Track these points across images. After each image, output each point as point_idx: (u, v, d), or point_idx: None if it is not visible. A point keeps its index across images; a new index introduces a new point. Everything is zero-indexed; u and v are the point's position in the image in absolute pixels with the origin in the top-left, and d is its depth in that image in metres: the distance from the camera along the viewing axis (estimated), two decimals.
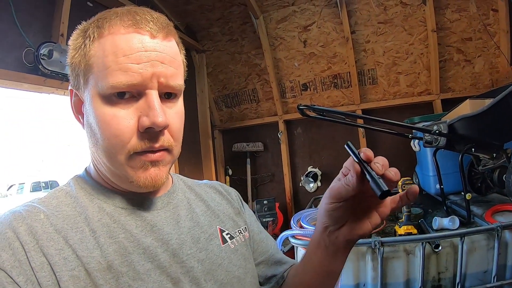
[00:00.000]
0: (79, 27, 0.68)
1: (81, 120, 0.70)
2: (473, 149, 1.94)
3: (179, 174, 0.92)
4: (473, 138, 1.94)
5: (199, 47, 3.90)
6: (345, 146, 0.67)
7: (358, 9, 3.23)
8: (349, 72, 3.48)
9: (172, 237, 0.69)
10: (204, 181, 0.95)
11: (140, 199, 0.71)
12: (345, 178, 0.62)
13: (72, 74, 0.68)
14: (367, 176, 0.58)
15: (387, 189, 0.55)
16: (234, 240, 0.80)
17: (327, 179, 3.85)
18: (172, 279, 0.65)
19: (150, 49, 0.62)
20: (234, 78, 4.06)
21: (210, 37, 3.90)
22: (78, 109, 0.70)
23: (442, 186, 2.23)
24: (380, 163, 0.60)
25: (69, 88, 0.70)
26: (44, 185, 13.40)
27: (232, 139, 4.27)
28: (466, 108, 2.07)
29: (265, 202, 3.25)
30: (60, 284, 0.56)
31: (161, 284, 0.63)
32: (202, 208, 0.81)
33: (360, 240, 1.82)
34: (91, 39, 0.63)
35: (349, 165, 0.62)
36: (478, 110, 1.85)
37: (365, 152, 0.60)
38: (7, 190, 14.19)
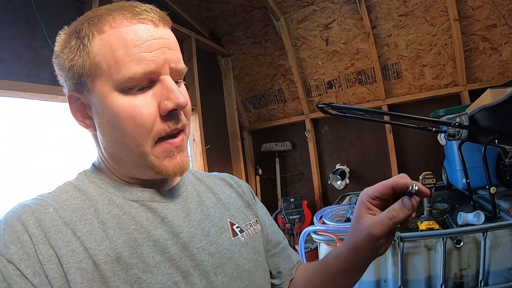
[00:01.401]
0: (65, 30, 0.68)
1: (87, 124, 0.70)
2: (496, 141, 1.86)
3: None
4: (495, 129, 1.86)
5: (224, 52, 3.98)
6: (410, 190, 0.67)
7: (378, 3, 3.17)
8: (373, 68, 3.43)
9: (183, 230, 0.69)
10: (214, 173, 0.95)
11: (150, 192, 0.71)
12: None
13: (72, 77, 0.66)
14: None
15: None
16: (244, 233, 0.80)
17: (355, 176, 3.83)
18: (181, 272, 0.65)
19: (157, 37, 0.63)
20: (260, 80, 4.10)
21: (234, 41, 3.96)
22: (82, 113, 0.70)
23: (468, 180, 2.17)
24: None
25: (68, 94, 0.69)
26: None
27: (261, 139, 4.33)
28: (487, 98, 2.00)
29: (291, 200, 3.26)
30: (68, 276, 0.56)
31: (171, 277, 0.63)
32: (212, 201, 0.81)
33: None
34: (90, 37, 0.63)
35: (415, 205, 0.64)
36: (499, 100, 1.78)
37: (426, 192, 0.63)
38: None
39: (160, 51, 0.63)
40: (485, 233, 1.66)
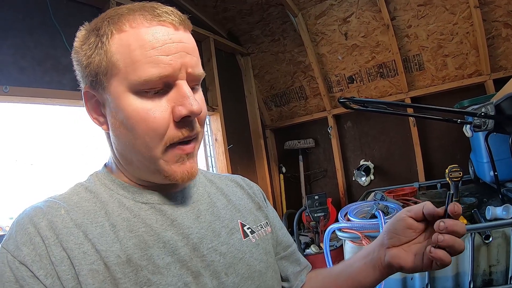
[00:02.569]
0: (85, 26, 0.68)
1: (100, 122, 0.70)
2: None
3: (232, 173, 0.96)
4: None
5: (243, 51, 4.00)
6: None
7: None
8: (394, 60, 3.36)
9: (193, 231, 0.70)
10: (226, 174, 0.95)
11: (160, 195, 0.72)
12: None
13: (89, 75, 0.66)
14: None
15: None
16: (255, 234, 0.80)
17: (380, 171, 3.77)
18: (192, 272, 0.65)
19: (176, 41, 0.63)
20: (281, 78, 4.09)
21: (253, 40, 3.97)
22: (96, 111, 0.70)
23: (496, 173, 2.11)
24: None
25: (84, 90, 0.70)
26: None
27: (284, 137, 4.31)
28: None
29: (316, 197, 3.24)
30: (79, 277, 0.57)
31: (181, 278, 0.64)
32: (223, 202, 0.81)
33: None
34: (109, 36, 0.63)
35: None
36: None
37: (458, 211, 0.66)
38: None
39: (178, 55, 0.62)
40: None
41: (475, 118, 1.94)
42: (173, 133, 0.64)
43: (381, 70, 3.53)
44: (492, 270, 1.69)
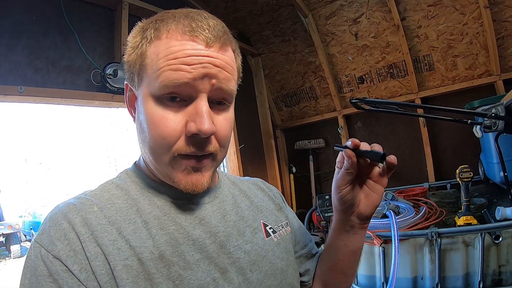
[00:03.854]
0: (139, 24, 0.70)
1: (133, 114, 0.73)
2: None
3: (243, 174, 0.99)
4: None
5: (254, 51, 4.03)
6: (334, 147, 0.79)
7: None
8: (404, 61, 3.37)
9: (220, 230, 0.72)
10: (246, 177, 0.98)
11: (189, 194, 0.71)
12: (344, 166, 0.73)
13: (128, 71, 0.70)
14: (364, 154, 0.71)
15: (382, 152, 0.69)
16: (276, 234, 0.83)
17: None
18: (220, 268, 0.67)
19: (203, 55, 0.62)
20: (291, 78, 4.12)
21: (263, 41, 4.00)
22: (131, 103, 0.73)
23: (506, 174, 2.11)
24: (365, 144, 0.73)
25: (125, 82, 0.73)
26: None
27: (294, 137, 4.35)
28: None
29: (326, 197, 3.27)
30: (114, 272, 0.58)
31: (210, 274, 0.66)
32: (246, 203, 0.84)
33: (417, 232, 1.84)
34: (148, 40, 0.65)
35: (341, 158, 0.75)
36: None
37: (353, 141, 0.71)
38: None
39: (201, 65, 0.61)
40: None
41: (485, 119, 1.94)
42: (182, 146, 0.64)
43: (391, 71, 3.53)
44: (501, 270, 1.71)
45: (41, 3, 2.17)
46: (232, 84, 0.67)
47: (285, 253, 0.82)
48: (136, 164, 0.79)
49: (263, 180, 1.00)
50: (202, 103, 0.63)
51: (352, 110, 3.82)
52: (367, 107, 2.04)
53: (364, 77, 3.71)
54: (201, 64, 0.61)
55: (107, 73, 2.36)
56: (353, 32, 3.51)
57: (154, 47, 0.64)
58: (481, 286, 1.69)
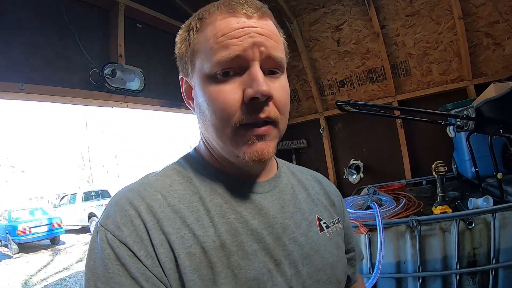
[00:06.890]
0: (183, 25, 0.74)
1: (192, 104, 0.75)
2: (501, 131, 2.00)
3: None
4: (499, 119, 2.00)
5: None
6: None
7: (386, 4, 3.30)
8: (383, 66, 3.56)
9: (277, 221, 0.71)
10: (307, 169, 0.97)
11: (249, 182, 0.73)
12: None
13: (180, 64, 0.74)
14: None
15: None
16: (329, 229, 0.82)
17: (369, 170, 3.95)
18: (275, 260, 0.67)
19: (247, 26, 0.64)
20: None
21: None
22: (188, 95, 0.75)
23: (477, 169, 2.27)
24: None
25: (180, 76, 0.76)
26: (95, 194, 13.54)
27: None
28: (491, 92, 2.14)
29: None
30: (178, 260, 0.59)
31: (265, 265, 0.65)
32: (303, 195, 0.83)
33: (399, 220, 1.98)
34: (194, 30, 0.68)
35: None
36: (501, 93, 1.92)
37: None
38: (60, 200, 14.51)
39: (248, 36, 0.63)
40: (494, 214, 1.78)
41: (458, 120, 2.12)
42: (242, 115, 0.64)
43: (370, 75, 3.72)
44: (475, 252, 1.85)
45: (39, 1, 2.18)
46: (280, 53, 0.68)
47: (336, 249, 0.81)
48: (196, 149, 0.80)
49: (323, 176, 0.99)
50: (256, 69, 0.64)
51: (333, 112, 3.97)
52: (350, 109, 2.21)
53: (345, 81, 3.88)
54: (247, 34, 0.64)
55: (105, 73, 2.40)
56: (335, 38, 3.68)
57: (201, 32, 0.68)
58: (458, 267, 1.82)
